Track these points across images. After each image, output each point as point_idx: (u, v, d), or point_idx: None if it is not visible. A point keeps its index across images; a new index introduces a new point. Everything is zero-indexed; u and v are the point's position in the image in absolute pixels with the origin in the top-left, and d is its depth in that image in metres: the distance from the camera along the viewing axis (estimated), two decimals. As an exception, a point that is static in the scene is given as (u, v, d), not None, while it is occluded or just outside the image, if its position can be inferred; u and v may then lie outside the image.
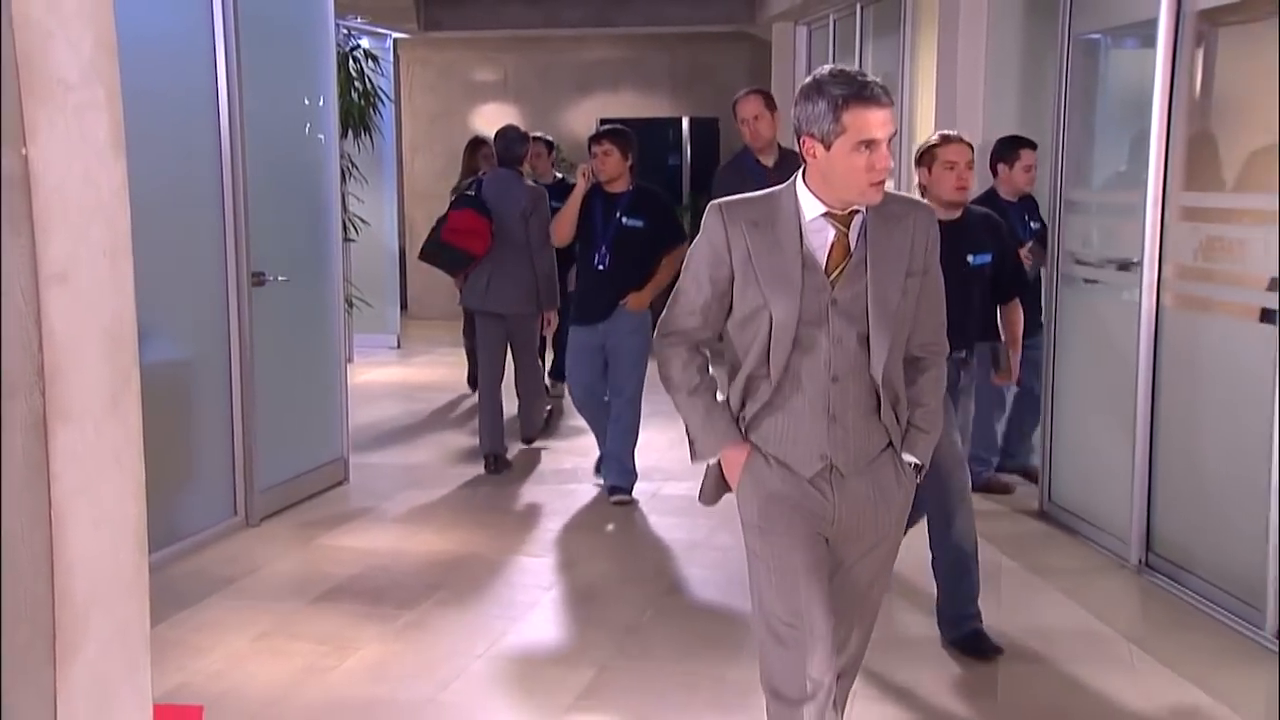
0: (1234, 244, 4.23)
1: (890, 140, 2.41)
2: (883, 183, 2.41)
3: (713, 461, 2.59)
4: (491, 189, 6.12)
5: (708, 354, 2.62)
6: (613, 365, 5.59)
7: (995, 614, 4.10)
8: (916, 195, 3.76)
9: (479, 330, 6.38)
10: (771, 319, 2.44)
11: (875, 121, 2.37)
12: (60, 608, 1.41)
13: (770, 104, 5.12)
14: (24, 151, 1.34)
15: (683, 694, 3.63)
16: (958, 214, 3.83)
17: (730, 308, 2.52)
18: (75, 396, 1.44)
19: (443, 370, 9.27)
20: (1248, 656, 3.87)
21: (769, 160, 5.09)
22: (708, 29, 11.04)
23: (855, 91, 2.37)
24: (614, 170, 5.43)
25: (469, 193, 6.20)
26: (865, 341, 2.45)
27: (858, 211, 2.46)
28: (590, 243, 5.52)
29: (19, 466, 1.36)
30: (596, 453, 6.00)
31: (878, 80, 2.42)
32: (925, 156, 3.83)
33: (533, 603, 4.44)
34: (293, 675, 3.71)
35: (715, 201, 2.51)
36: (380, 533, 5.30)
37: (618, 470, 5.70)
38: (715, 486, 2.61)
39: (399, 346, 10.58)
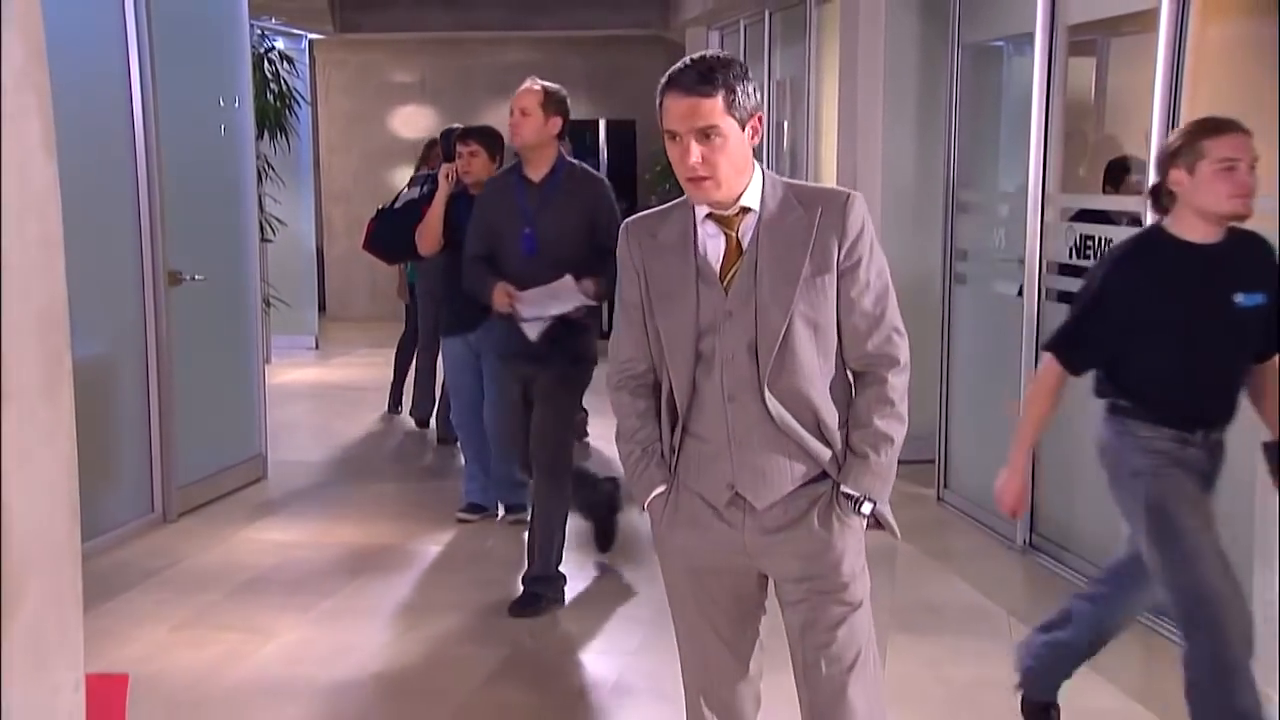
0: (1105, 243, 4.53)
1: (706, 133, 2.15)
2: (700, 180, 2.17)
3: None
4: None
5: (654, 395, 2.35)
6: (486, 378, 5.02)
7: (888, 592, 4.35)
8: (1140, 203, 3.01)
9: (431, 313, 6.74)
10: (663, 333, 2.26)
11: (673, 112, 2.16)
12: (4, 570, 1.54)
13: (548, 103, 4.27)
14: (-36, 153, 1.47)
15: (593, 671, 3.82)
16: (1217, 235, 2.76)
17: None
18: (13, 377, 1.57)
19: (361, 371, 9.33)
20: (1115, 624, 4.17)
21: (537, 174, 4.23)
22: (623, 33, 11.24)
23: (669, 79, 2.19)
24: (480, 172, 4.97)
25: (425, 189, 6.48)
26: (757, 354, 2.21)
27: (748, 209, 2.23)
28: (459, 251, 4.84)
29: (-39, 439, 1.50)
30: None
31: (708, 66, 2.17)
32: (1184, 151, 2.71)
33: (447, 588, 4.60)
34: (214, 660, 3.83)
35: (624, 221, 2.36)
36: (298, 526, 5.40)
37: (507, 487, 5.31)
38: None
39: (317, 348, 10.60)
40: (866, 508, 2.25)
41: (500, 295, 4.14)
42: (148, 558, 4.89)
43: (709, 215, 2.25)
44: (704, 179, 2.18)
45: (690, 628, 2.39)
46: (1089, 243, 4.58)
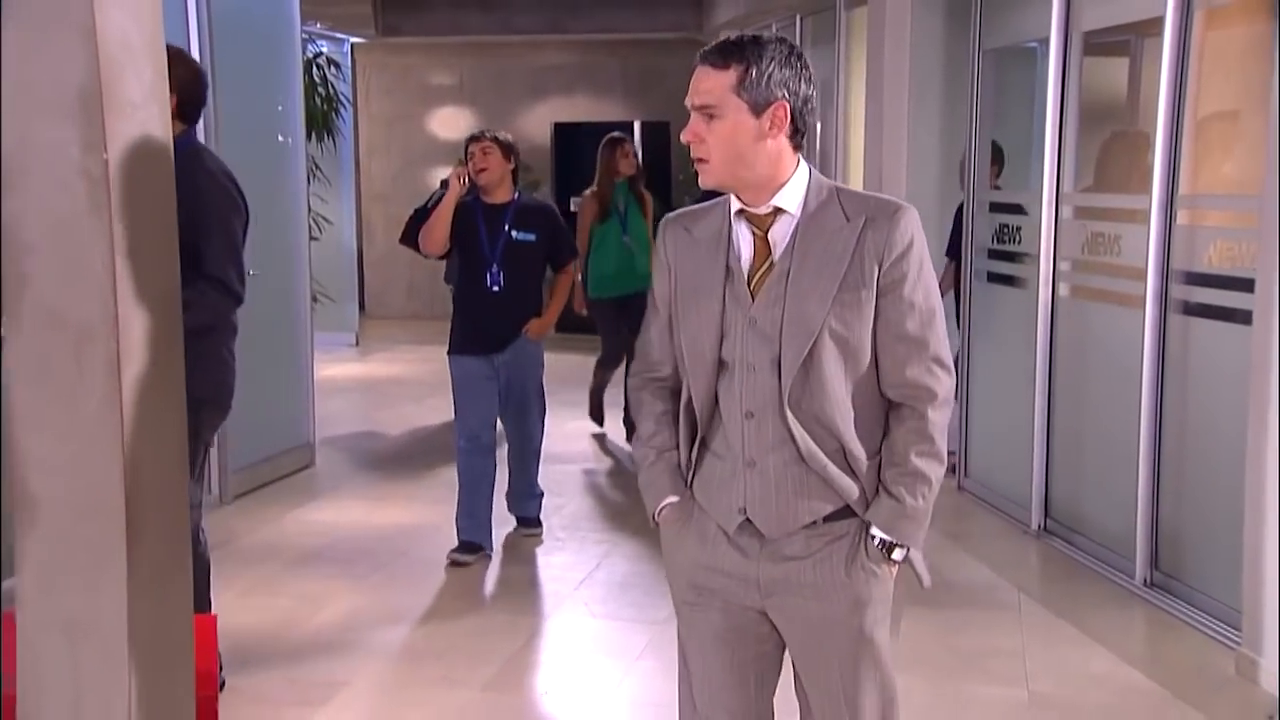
0: (1113, 239, 4.75)
1: (707, 110, 1.99)
2: (698, 161, 2.03)
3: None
4: None
5: (677, 400, 2.18)
6: (510, 402, 4.88)
7: (903, 570, 4.57)
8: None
9: None
10: (684, 335, 2.09)
11: (693, 82, 2.01)
12: (130, 505, 1.83)
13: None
14: (104, 156, 1.77)
15: (624, 638, 4.09)
16: None
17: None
18: (139, 342, 1.87)
19: (401, 366, 9.64)
20: (1119, 601, 4.41)
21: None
22: (657, 36, 11.51)
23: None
24: (495, 170, 4.75)
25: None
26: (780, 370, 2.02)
27: (783, 211, 2.04)
28: (477, 260, 4.78)
29: (100, 394, 1.79)
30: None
31: (738, 39, 2.01)
32: None
33: (488, 564, 4.88)
34: (275, 623, 4.14)
35: (667, 215, 2.21)
36: (347, 508, 5.71)
37: (524, 500, 5.17)
38: None
39: (357, 344, 10.91)
40: (899, 554, 2.04)
41: None
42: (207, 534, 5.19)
43: (740, 212, 2.07)
44: (700, 160, 2.02)
45: (696, 652, 2.16)
46: (1100, 239, 4.80)
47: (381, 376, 9.42)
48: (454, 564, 4.76)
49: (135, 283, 1.85)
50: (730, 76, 1.97)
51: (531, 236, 4.81)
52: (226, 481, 5.76)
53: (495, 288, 4.75)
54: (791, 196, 2.04)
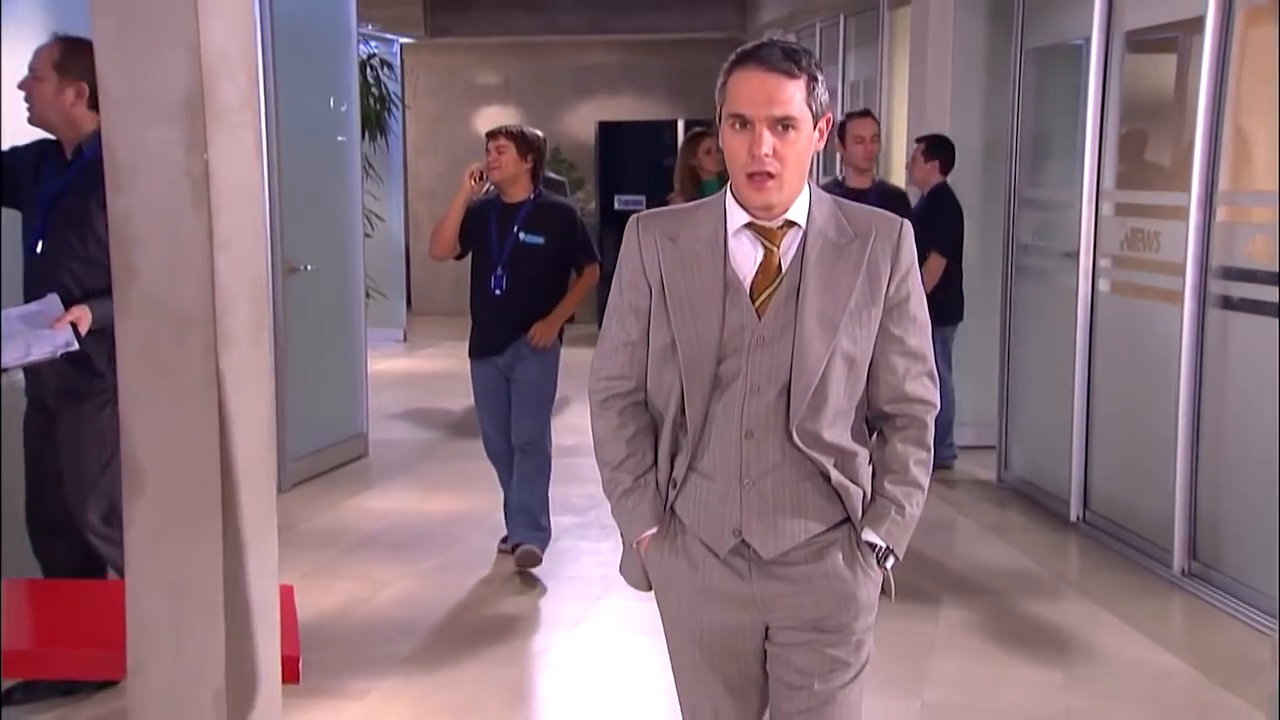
0: (1152, 235, 4.82)
1: (784, 122, 1.88)
2: (764, 177, 1.89)
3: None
4: None
5: (645, 417, 2.08)
6: (514, 404, 4.68)
7: (944, 559, 4.69)
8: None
9: None
10: (680, 353, 1.97)
11: (748, 90, 1.87)
12: (224, 476, 2.00)
13: (65, 65, 3.31)
14: (205, 157, 1.93)
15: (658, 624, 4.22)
16: None
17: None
18: (233, 329, 2.03)
19: (448, 362, 9.80)
20: (1156, 590, 4.50)
21: (67, 149, 3.39)
22: (701, 35, 11.64)
23: (744, 54, 1.90)
24: (509, 168, 4.53)
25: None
26: (788, 390, 1.95)
27: (793, 224, 1.97)
28: (485, 263, 4.61)
29: (199, 376, 1.95)
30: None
31: (791, 47, 1.91)
32: None
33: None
34: (337, 604, 4.32)
35: (634, 215, 2.07)
36: (400, 496, 5.89)
37: (525, 525, 4.70)
38: (639, 569, 2.16)
39: (405, 340, 11.12)
40: (890, 562, 2.04)
41: None
42: (268, 521, 5.40)
43: (748, 225, 1.97)
44: (769, 176, 1.90)
45: (694, 678, 2.16)
46: (1139, 235, 4.87)
47: (430, 371, 9.62)
48: (503, 552, 4.89)
49: (230, 274, 2.01)
50: (801, 86, 1.89)
51: (540, 239, 4.55)
52: (285, 470, 5.95)
53: (497, 291, 4.57)
54: (800, 208, 1.98)
